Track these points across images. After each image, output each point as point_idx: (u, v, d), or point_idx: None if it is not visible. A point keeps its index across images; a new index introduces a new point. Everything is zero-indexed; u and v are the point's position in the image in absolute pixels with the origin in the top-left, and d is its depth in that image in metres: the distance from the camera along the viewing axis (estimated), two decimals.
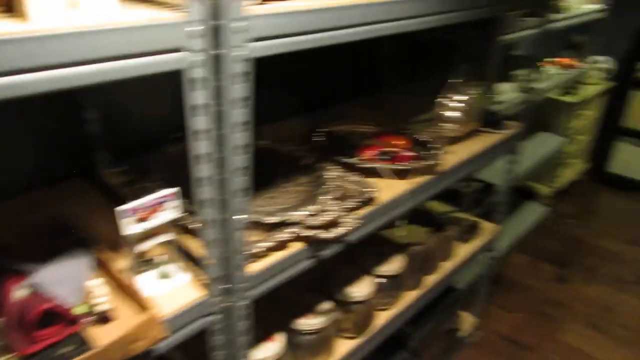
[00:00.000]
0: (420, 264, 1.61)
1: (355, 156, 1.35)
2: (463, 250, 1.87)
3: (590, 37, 2.88)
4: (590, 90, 3.17)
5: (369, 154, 1.37)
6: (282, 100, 1.58)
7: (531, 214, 3.12)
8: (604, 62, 3.35)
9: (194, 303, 0.89)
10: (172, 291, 0.90)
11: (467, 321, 2.25)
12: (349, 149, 1.39)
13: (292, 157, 1.31)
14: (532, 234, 2.98)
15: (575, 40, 3.11)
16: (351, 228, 1.06)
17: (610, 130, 3.48)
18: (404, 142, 1.44)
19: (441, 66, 1.69)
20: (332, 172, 1.25)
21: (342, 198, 1.16)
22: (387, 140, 1.46)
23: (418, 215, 1.78)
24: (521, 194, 3.22)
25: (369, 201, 1.19)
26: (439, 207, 2.07)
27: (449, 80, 1.53)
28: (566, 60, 2.80)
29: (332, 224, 1.05)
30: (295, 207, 1.08)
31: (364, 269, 1.46)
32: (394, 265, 1.48)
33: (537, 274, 2.66)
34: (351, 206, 1.13)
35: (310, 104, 1.74)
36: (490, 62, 1.89)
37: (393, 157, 1.35)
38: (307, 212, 1.04)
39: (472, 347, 2.19)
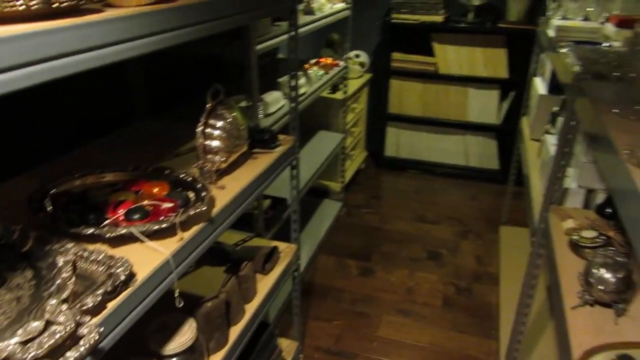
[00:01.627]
0: (220, 319, 1.37)
1: (101, 221, 1.03)
2: (267, 282, 1.68)
3: (344, 35, 2.98)
4: (354, 84, 3.32)
5: (118, 213, 1.06)
6: None
7: (328, 212, 3.14)
8: (360, 57, 3.55)
9: None
10: None
11: (289, 348, 2.10)
12: (90, 212, 1.06)
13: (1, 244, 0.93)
14: (333, 232, 3.00)
15: (331, 39, 3.21)
16: (93, 342, 0.76)
17: (379, 118, 3.74)
18: (162, 187, 1.17)
19: (199, 86, 1.46)
20: (66, 254, 0.92)
21: (83, 292, 0.84)
22: (141, 188, 1.17)
23: (209, 253, 1.53)
24: (315, 194, 3.22)
25: (123, 284, 0.89)
26: (231, 236, 1.86)
27: (207, 104, 1.31)
28: (328, 60, 2.85)
29: (65, 343, 0.73)
30: (1, 333, 0.73)
31: (148, 355, 1.15)
32: (185, 336, 1.21)
33: (344, 273, 2.66)
34: (95, 301, 0.82)
35: (32, 157, 1.34)
36: (250, 73, 1.72)
37: (150, 213, 1.06)
38: (18, 339, 0.70)
39: None
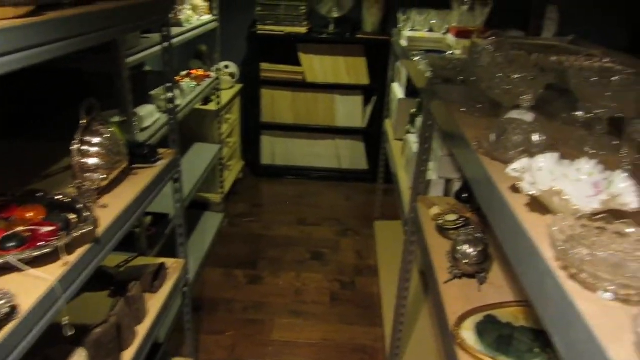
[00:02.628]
0: (112, 345, 1.31)
1: None
2: (157, 301, 1.64)
3: (212, 46, 2.99)
4: (226, 95, 3.33)
5: None
6: None
7: (210, 224, 3.11)
8: (229, 67, 3.58)
9: None
10: None
11: None
12: None
13: None
14: (217, 244, 2.98)
15: (200, 50, 3.19)
16: None
17: (253, 127, 3.79)
18: (37, 211, 1.09)
19: (72, 103, 1.38)
20: None
21: None
22: (12, 214, 1.08)
23: (93, 277, 1.45)
24: (195, 207, 3.17)
25: (5, 318, 0.83)
26: (112, 258, 1.77)
27: (81, 120, 1.25)
28: (199, 71, 2.83)
29: None
30: None
31: None
32: None
33: (233, 283, 2.66)
34: None
35: None
36: (122, 87, 1.67)
37: (28, 239, 0.99)
38: None
39: None
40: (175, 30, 2.27)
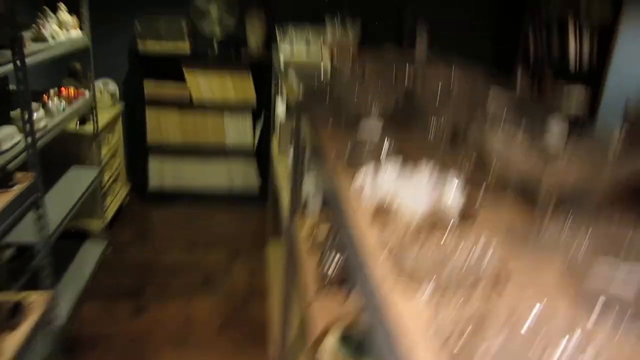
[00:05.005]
0: None
1: None
2: (13, 340, 1.48)
3: (86, 63, 2.83)
4: (106, 115, 3.16)
5: None
6: None
7: (91, 254, 2.90)
8: (109, 86, 3.40)
9: None
10: None
11: None
12: None
13: None
14: (99, 275, 2.78)
15: (73, 67, 3.00)
16: None
17: (139, 149, 3.62)
18: None
19: None
20: None
21: None
22: None
23: None
24: (74, 236, 2.93)
25: None
26: None
27: None
28: (71, 90, 2.65)
29: None
30: None
31: None
32: None
33: (114, 317, 2.48)
34: None
35: None
36: None
37: None
38: None
39: None
40: (37, 47, 2.12)
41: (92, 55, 2.81)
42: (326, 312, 1.17)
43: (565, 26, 3.88)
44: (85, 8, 2.73)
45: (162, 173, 3.73)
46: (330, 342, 1.04)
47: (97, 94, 3.09)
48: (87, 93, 2.77)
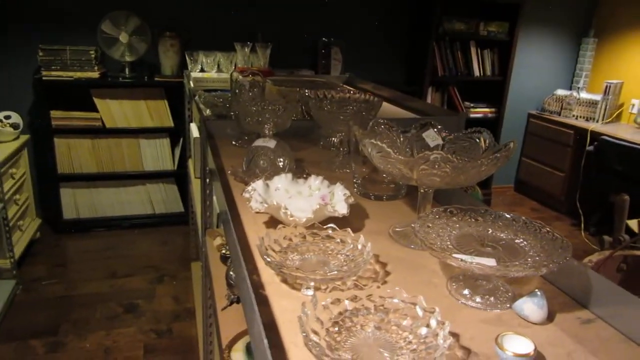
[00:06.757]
0: None
1: None
2: None
3: None
4: (8, 148, 3.01)
5: None
6: None
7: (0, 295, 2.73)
8: (11, 118, 3.25)
9: None
10: None
11: None
12: None
13: None
14: (9, 316, 2.62)
15: None
16: None
17: (49, 180, 3.46)
18: None
19: None
20: None
21: None
22: None
23: None
24: None
25: None
26: None
27: None
28: None
29: None
30: None
31: None
32: None
33: (27, 357, 2.35)
34: None
35: None
36: None
37: None
38: None
39: None
40: None
41: None
42: (235, 323, 1.20)
43: (467, 43, 4.19)
44: None
45: (76, 203, 3.59)
46: (237, 353, 1.07)
47: None
48: None
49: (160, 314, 2.72)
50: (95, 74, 3.28)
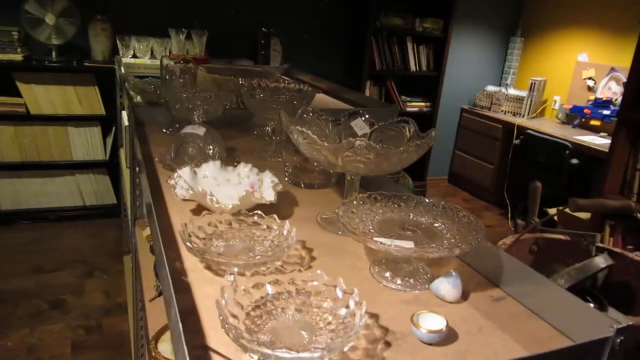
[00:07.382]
0: None
1: None
2: None
3: None
4: None
5: None
6: None
7: None
8: None
9: None
10: None
11: None
12: None
13: None
14: None
15: None
16: None
17: None
18: None
19: None
20: None
21: None
22: None
23: None
24: None
25: None
26: None
27: None
28: None
29: None
30: None
31: None
32: None
33: None
34: None
35: None
36: None
37: None
38: None
39: None
40: None
41: None
42: (164, 314, 1.17)
43: (404, 39, 4.29)
44: None
45: (5, 193, 3.37)
46: (164, 344, 1.06)
47: None
48: None
49: (89, 310, 2.62)
50: (18, 57, 3.08)
